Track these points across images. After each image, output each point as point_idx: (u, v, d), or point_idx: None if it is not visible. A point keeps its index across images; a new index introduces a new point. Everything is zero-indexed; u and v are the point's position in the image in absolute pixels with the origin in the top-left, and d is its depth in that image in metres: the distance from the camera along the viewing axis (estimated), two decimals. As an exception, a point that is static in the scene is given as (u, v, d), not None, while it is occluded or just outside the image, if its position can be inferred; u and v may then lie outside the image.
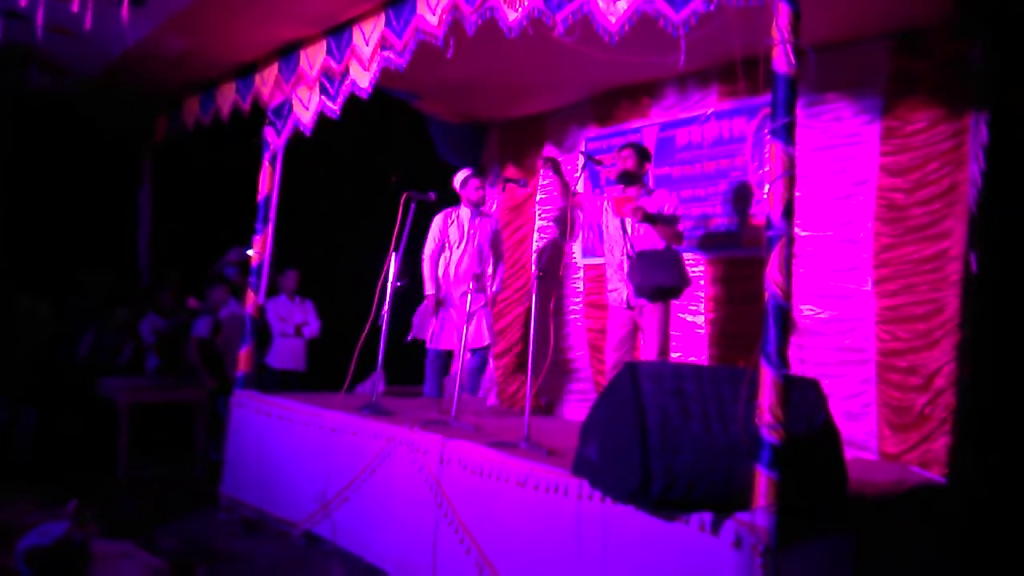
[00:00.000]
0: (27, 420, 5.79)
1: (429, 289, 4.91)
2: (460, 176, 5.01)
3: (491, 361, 6.06)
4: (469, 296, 4.36)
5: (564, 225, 5.31)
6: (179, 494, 5.09)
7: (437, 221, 4.97)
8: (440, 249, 4.97)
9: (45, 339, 5.87)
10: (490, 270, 5.02)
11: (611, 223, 4.33)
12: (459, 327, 4.78)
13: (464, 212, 4.99)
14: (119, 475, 5.12)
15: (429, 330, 4.92)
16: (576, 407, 5.43)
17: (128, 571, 3.59)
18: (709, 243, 4.77)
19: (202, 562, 3.80)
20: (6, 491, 4.29)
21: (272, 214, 5.10)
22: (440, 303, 4.90)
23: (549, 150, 5.91)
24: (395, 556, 3.63)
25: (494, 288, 5.06)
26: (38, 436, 5.79)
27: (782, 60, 2.47)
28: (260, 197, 5.11)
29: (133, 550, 3.84)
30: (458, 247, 4.91)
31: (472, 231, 4.89)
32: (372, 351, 4.47)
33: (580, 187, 4.50)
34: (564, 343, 5.66)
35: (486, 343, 4.94)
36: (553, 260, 5.27)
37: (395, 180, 5.49)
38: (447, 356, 5.01)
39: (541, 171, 5.91)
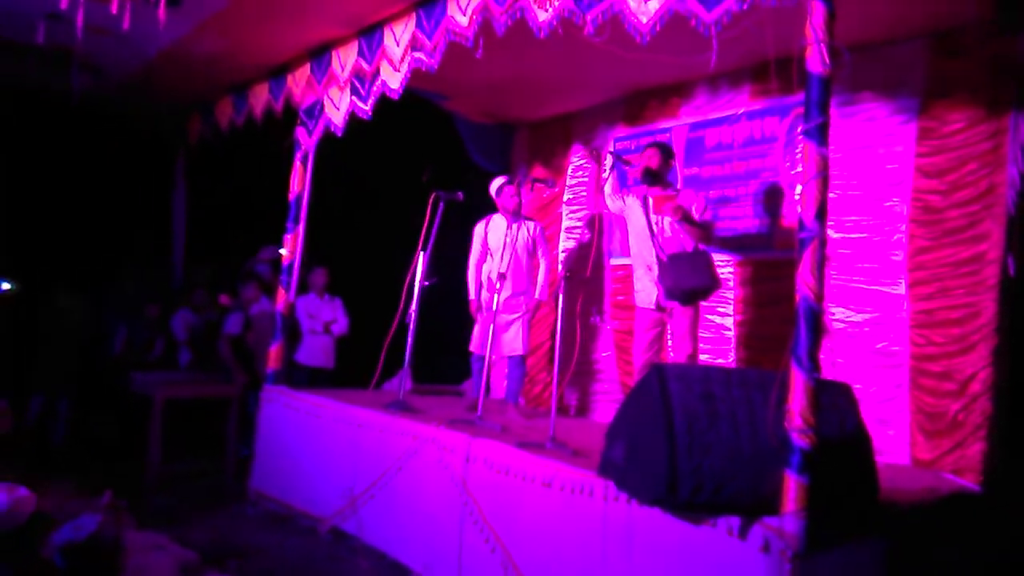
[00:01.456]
0: (62, 413, 5.94)
1: (471, 295, 4.95)
2: (495, 184, 4.99)
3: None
4: (496, 300, 4.35)
5: (593, 226, 5.27)
6: (210, 488, 5.18)
7: (477, 229, 5.00)
8: (483, 257, 4.98)
9: (81, 335, 6.01)
10: (534, 276, 4.94)
11: (637, 223, 4.29)
12: (496, 333, 4.77)
13: (501, 219, 4.98)
14: (151, 468, 5.22)
15: (473, 335, 4.98)
16: (603, 408, 5.40)
17: (160, 563, 3.66)
18: (739, 244, 4.73)
19: (232, 556, 3.86)
20: (42, 482, 4.39)
21: (303, 213, 5.16)
22: (480, 309, 4.92)
23: (577, 150, 5.89)
24: (421, 553, 3.66)
25: (537, 296, 4.93)
26: (73, 429, 5.93)
27: (816, 60, 2.44)
28: (291, 196, 5.18)
29: (165, 543, 3.91)
30: (498, 254, 4.90)
31: (510, 238, 4.85)
32: (400, 349, 4.50)
33: (608, 188, 4.47)
34: (590, 344, 5.64)
35: (520, 352, 4.88)
36: (580, 261, 5.24)
37: (426, 177, 5.50)
38: (480, 359, 5.01)
39: (569, 169, 5.91)
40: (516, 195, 4.92)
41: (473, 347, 4.98)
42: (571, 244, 5.74)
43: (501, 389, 5.69)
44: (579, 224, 5.80)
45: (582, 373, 5.63)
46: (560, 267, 5.62)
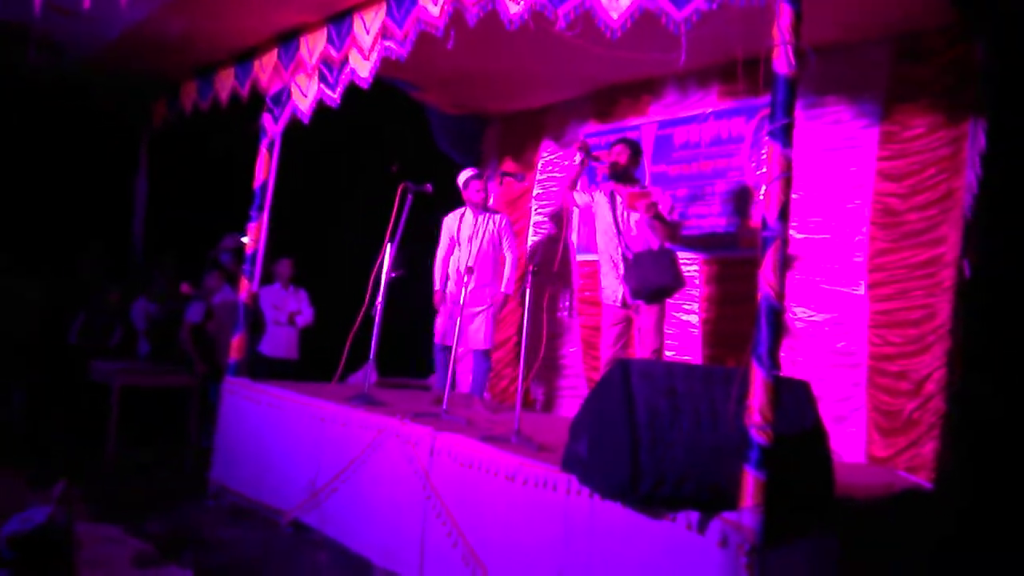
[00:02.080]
0: (18, 401, 5.78)
1: (436, 286, 4.95)
2: (463, 177, 4.98)
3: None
4: (463, 293, 4.34)
5: (559, 220, 5.28)
6: (168, 480, 5.09)
7: (445, 222, 4.98)
8: (450, 250, 4.98)
9: (35, 321, 5.86)
10: (500, 269, 4.95)
11: (604, 220, 4.32)
12: (462, 325, 4.77)
13: (468, 212, 4.97)
14: (109, 458, 5.11)
15: (436, 325, 4.97)
16: (569, 404, 5.43)
17: (115, 556, 3.58)
18: (705, 243, 4.77)
19: (190, 548, 3.79)
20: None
21: (268, 202, 5.08)
22: (444, 300, 4.92)
23: (547, 145, 5.90)
24: (382, 546, 3.64)
25: (504, 289, 4.94)
26: (29, 417, 5.78)
27: (782, 61, 2.47)
28: (256, 184, 5.09)
29: (121, 535, 3.84)
30: (465, 247, 4.91)
31: (477, 231, 4.87)
32: (365, 342, 4.46)
33: (578, 184, 4.48)
34: (557, 339, 5.66)
35: (484, 347, 4.88)
36: (548, 255, 5.26)
37: (395, 169, 5.45)
38: (450, 351, 4.99)
39: (539, 164, 5.91)
40: (483, 189, 4.93)
41: (437, 338, 4.98)
42: (539, 238, 5.75)
43: (467, 383, 5.68)
44: (547, 219, 5.81)
45: (549, 368, 5.65)
46: (528, 261, 5.62)
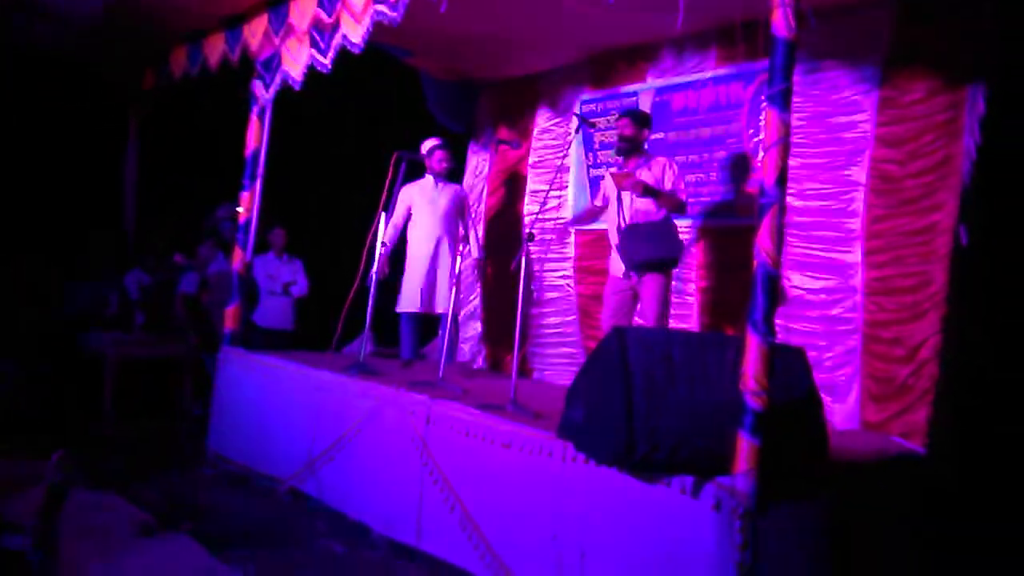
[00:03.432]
0: (10, 373, 5.77)
1: (382, 251, 4.68)
2: (426, 145, 5.03)
3: (480, 325, 6.07)
4: (428, 260, 4.38)
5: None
6: (164, 449, 5.11)
7: (404, 190, 4.90)
8: (404, 217, 5.00)
9: (27, 293, 5.82)
10: (460, 236, 5.03)
11: (611, 192, 4.30)
12: (422, 291, 4.89)
13: (428, 180, 5.04)
14: (105, 429, 5.13)
15: (401, 295, 5.01)
16: (564, 372, 5.44)
17: (113, 524, 3.61)
18: (702, 210, 4.75)
19: (186, 516, 3.81)
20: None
21: (260, 170, 5.03)
22: (384, 270, 4.76)
23: (543, 112, 5.83)
24: (381, 513, 3.67)
25: (476, 255, 5.08)
26: (23, 389, 5.77)
27: (781, 23, 2.43)
28: (248, 152, 5.04)
29: (118, 503, 3.86)
30: (422, 214, 4.97)
31: (435, 198, 4.96)
32: (361, 311, 4.46)
33: (573, 149, 4.44)
34: (554, 308, 5.66)
35: (442, 310, 4.91)
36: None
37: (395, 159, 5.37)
38: (413, 318, 5.02)
39: (535, 131, 5.85)
40: (446, 160, 5.02)
41: (398, 306, 5.01)
42: (535, 207, 5.70)
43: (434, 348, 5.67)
44: (545, 187, 5.76)
45: (545, 336, 5.66)
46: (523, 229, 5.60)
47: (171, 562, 3.26)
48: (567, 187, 5.58)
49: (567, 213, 5.57)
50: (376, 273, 4.69)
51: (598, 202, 4.55)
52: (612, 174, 4.19)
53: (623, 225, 4.14)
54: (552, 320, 5.65)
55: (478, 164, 6.34)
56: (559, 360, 5.58)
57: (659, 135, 4.97)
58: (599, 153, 5.40)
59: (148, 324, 6.17)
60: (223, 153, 5.60)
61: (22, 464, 4.38)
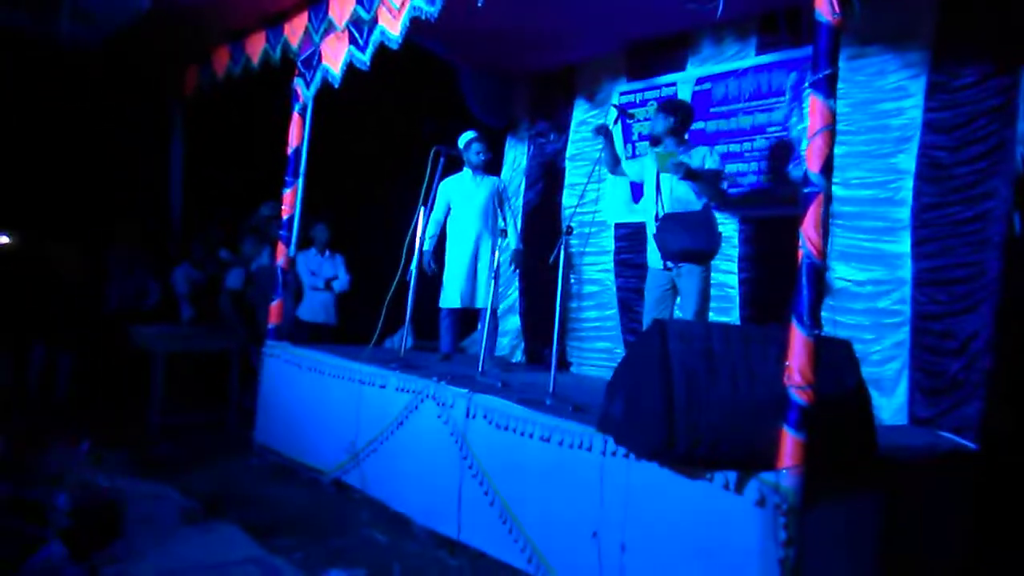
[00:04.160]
0: (64, 366, 5.97)
1: (425, 246, 4.85)
2: (463, 138, 5.00)
3: (519, 319, 6.08)
4: (468, 255, 4.36)
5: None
6: (212, 440, 5.23)
7: (443, 185, 4.91)
8: (444, 212, 5.00)
9: (77, 287, 6.00)
10: (499, 229, 4.96)
11: (649, 182, 4.23)
12: (464, 287, 4.88)
13: (466, 174, 5.02)
14: (154, 421, 5.27)
15: (447, 288, 5.00)
16: (602, 366, 5.42)
17: (163, 512, 3.71)
18: (744, 201, 4.67)
19: (234, 506, 3.91)
20: (46, 435, 4.44)
21: (302, 167, 5.11)
22: (431, 264, 4.90)
23: (580, 103, 5.80)
24: (422, 505, 3.71)
25: (516, 246, 5.02)
26: (76, 382, 5.96)
27: (826, 7, 2.37)
28: (290, 150, 5.11)
29: (167, 492, 3.97)
30: (461, 208, 4.96)
31: (473, 191, 4.94)
32: (401, 305, 4.50)
33: (624, 159, 4.37)
34: (591, 301, 5.63)
35: (482, 306, 4.85)
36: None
37: (425, 132, 5.42)
38: (454, 313, 5.03)
39: (573, 124, 5.81)
40: (483, 152, 4.98)
41: (442, 302, 5.01)
42: (573, 200, 5.67)
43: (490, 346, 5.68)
44: (583, 181, 5.73)
45: (584, 330, 5.64)
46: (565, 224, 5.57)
47: (218, 549, 3.35)
48: (605, 180, 5.54)
49: (605, 206, 5.53)
50: (426, 267, 4.79)
51: (627, 160, 4.41)
52: (656, 153, 4.09)
53: (661, 213, 4.08)
54: (591, 314, 5.63)
55: (516, 158, 6.33)
56: (598, 354, 5.56)
57: (699, 125, 4.90)
58: (638, 144, 5.35)
59: (196, 318, 6.33)
60: (266, 150, 5.70)
61: (54, 450, 4.53)
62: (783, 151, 4.50)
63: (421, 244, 4.66)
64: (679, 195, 4.07)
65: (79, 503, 2.94)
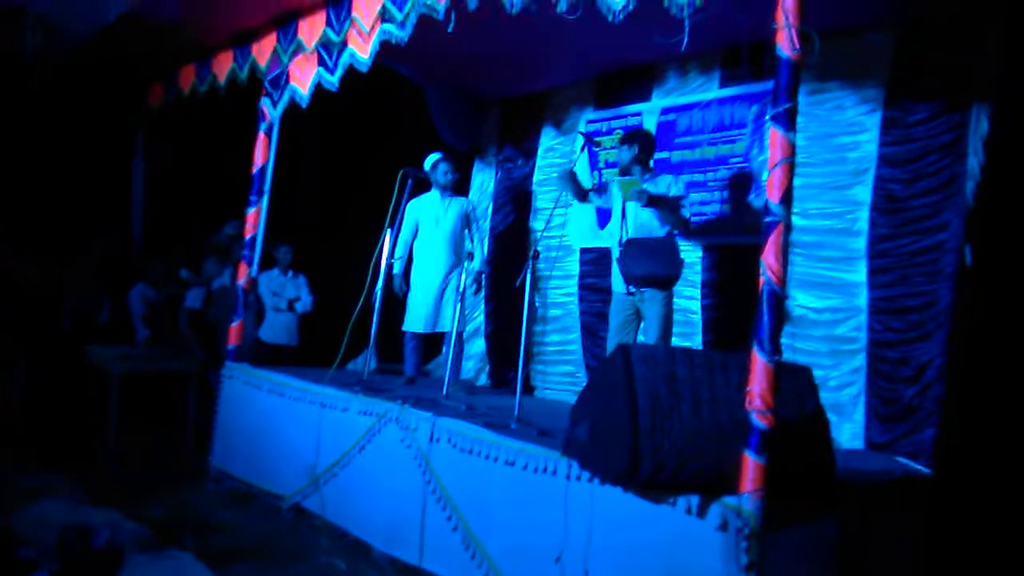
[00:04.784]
0: (17, 387, 5.77)
1: (395, 269, 4.87)
2: (430, 160, 5.01)
3: (484, 342, 6.07)
4: (432, 277, 4.33)
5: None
6: (168, 465, 5.09)
7: (410, 205, 4.90)
8: (412, 233, 4.98)
9: (34, 301, 5.84)
10: (466, 251, 4.97)
11: (614, 209, 4.29)
12: (428, 312, 4.86)
13: (435, 195, 5.01)
14: (109, 444, 5.11)
15: (410, 311, 4.96)
16: (566, 391, 5.43)
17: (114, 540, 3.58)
18: (707, 229, 4.76)
19: (190, 532, 3.80)
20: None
21: (267, 187, 5.06)
22: (403, 285, 4.91)
23: (548, 130, 5.87)
24: (383, 531, 3.65)
25: (480, 268, 5.02)
26: (28, 403, 5.77)
27: (786, 44, 2.45)
28: (254, 169, 5.07)
29: (119, 519, 3.84)
30: (428, 230, 4.94)
31: (441, 213, 4.94)
32: (365, 328, 4.46)
33: (577, 168, 4.44)
34: (555, 325, 5.65)
35: (447, 330, 4.79)
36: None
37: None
38: (418, 336, 4.99)
39: (540, 150, 5.87)
40: (450, 172, 4.99)
41: (404, 324, 4.97)
42: (540, 225, 5.72)
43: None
44: (549, 206, 5.78)
45: (548, 354, 5.65)
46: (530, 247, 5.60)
47: (173, 578, 3.24)
48: (571, 205, 5.60)
49: (571, 232, 5.58)
50: (396, 290, 4.80)
51: (592, 191, 4.48)
52: (619, 181, 4.15)
53: (624, 239, 4.13)
54: (554, 338, 5.65)
55: (483, 181, 6.36)
56: (561, 378, 5.57)
57: (664, 155, 5.00)
58: (604, 171, 5.42)
59: (153, 338, 6.18)
60: (231, 169, 5.64)
61: (31, 477, 4.39)
62: (745, 181, 4.61)
63: (390, 267, 4.63)
64: (643, 221, 4.14)
65: (71, 548, 2.84)
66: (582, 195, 4.40)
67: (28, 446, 5.00)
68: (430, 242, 4.95)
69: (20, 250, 5.87)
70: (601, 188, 4.52)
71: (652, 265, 4.02)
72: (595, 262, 5.41)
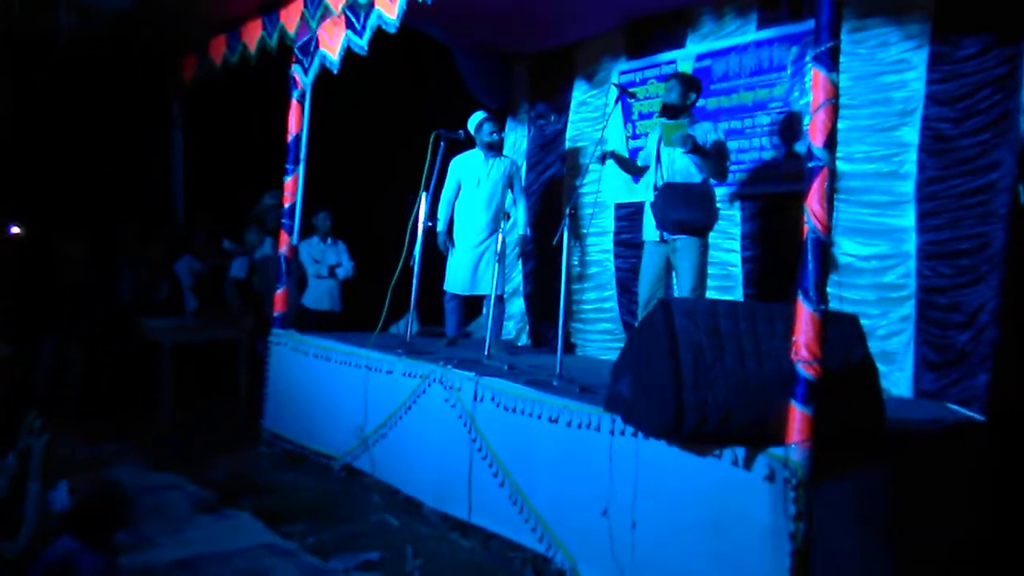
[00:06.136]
0: (75, 362, 5.98)
1: (439, 226, 4.88)
2: (474, 119, 4.93)
3: (523, 302, 6.08)
4: (478, 242, 4.31)
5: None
6: (222, 430, 5.26)
7: (453, 164, 4.90)
8: (455, 191, 4.94)
9: (80, 280, 6.00)
10: (508, 212, 4.91)
11: (652, 148, 4.19)
12: (468, 274, 4.85)
13: (478, 155, 4.94)
14: (164, 412, 5.29)
15: (450, 272, 4.97)
16: (606, 347, 5.43)
17: (176, 502, 3.74)
18: (746, 178, 4.65)
19: (246, 494, 3.94)
20: (56, 428, 4.46)
21: (303, 154, 5.09)
22: (448, 245, 4.91)
23: (580, 84, 5.76)
24: (432, 488, 3.74)
25: (523, 232, 4.96)
26: (85, 375, 5.98)
27: (827, -20, 2.35)
28: (289, 137, 5.10)
29: (180, 482, 4.00)
30: (471, 191, 4.89)
31: (485, 174, 4.88)
32: (406, 291, 4.50)
33: (612, 121, 4.35)
34: (592, 282, 5.63)
35: (494, 292, 4.62)
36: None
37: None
38: (458, 297, 5.00)
39: (573, 104, 5.78)
40: (495, 131, 4.91)
41: (447, 285, 4.98)
42: (575, 181, 5.65)
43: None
44: (584, 162, 5.71)
45: (585, 312, 5.65)
46: (565, 204, 5.55)
47: (232, 536, 3.38)
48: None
49: (606, 187, 5.51)
50: (442, 248, 4.83)
51: (640, 163, 4.43)
52: (664, 124, 4.04)
53: (659, 184, 4.05)
54: (591, 295, 5.63)
55: (516, 140, 6.31)
56: (601, 335, 5.57)
57: (700, 102, 4.86)
58: (638, 123, 5.32)
59: (201, 309, 6.33)
60: (267, 138, 5.67)
61: (96, 447, 4.58)
62: (786, 126, 4.48)
63: (427, 229, 4.61)
64: (679, 168, 4.05)
65: (81, 495, 2.95)
66: (636, 170, 4.35)
67: (90, 419, 5.19)
68: (470, 203, 4.91)
69: (66, 231, 6.01)
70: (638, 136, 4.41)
71: (688, 211, 3.95)
72: (629, 217, 5.34)
